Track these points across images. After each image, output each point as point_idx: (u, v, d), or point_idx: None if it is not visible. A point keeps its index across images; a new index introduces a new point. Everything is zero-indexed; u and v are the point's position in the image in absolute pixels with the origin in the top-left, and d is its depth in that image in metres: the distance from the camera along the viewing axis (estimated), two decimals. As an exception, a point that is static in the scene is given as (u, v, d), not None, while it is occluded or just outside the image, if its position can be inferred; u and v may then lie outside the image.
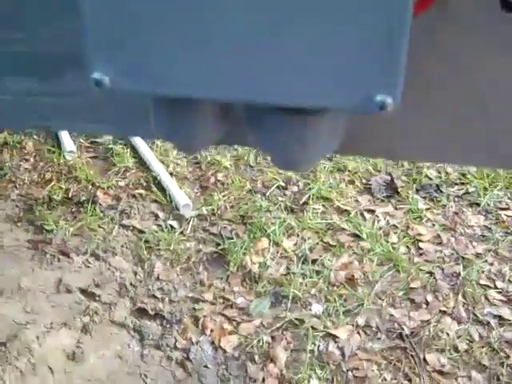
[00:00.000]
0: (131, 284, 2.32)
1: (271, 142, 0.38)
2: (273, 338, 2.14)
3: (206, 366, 2.06)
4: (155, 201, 2.69)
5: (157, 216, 2.63)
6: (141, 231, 2.54)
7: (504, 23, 0.39)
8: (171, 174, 2.81)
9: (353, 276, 2.35)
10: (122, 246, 2.48)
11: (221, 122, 0.38)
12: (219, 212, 2.63)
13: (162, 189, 2.72)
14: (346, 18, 0.30)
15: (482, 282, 2.35)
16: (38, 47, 0.43)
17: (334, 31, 0.31)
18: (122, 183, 2.79)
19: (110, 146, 2.97)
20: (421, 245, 2.50)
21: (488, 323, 2.20)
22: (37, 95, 0.45)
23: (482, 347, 2.12)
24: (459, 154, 0.45)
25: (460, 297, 2.29)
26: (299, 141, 0.37)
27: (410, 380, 2.02)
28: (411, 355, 2.10)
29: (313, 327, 2.17)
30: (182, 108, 0.36)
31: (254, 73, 0.32)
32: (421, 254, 2.46)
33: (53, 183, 2.74)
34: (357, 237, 2.52)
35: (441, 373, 2.05)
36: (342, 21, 0.30)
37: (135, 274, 2.37)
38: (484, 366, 2.08)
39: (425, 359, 2.08)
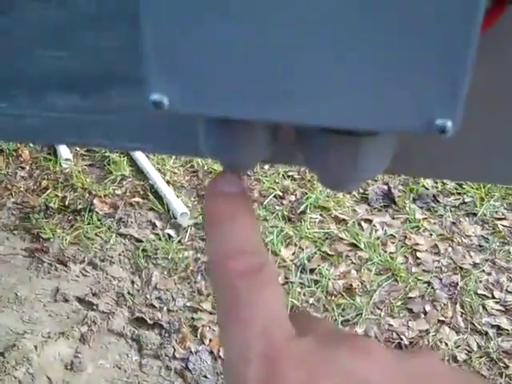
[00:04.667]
0: (129, 293, 2.31)
1: (321, 161, 0.37)
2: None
3: (205, 376, 2.05)
4: (152, 209, 2.68)
5: (154, 225, 2.62)
6: (138, 240, 2.54)
7: None
8: (168, 182, 2.80)
9: (351, 285, 2.35)
10: (120, 255, 2.47)
11: (271, 142, 0.38)
12: (217, 221, 2.62)
13: (159, 197, 2.72)
14: (408, 37, 0.30)
15: (479, 291, 2.36)
16: (81, 63, 0.42)
17: (395, 51, 0.31)
18: (118, 191, 2.78)
19: (107, 154, 2.96)
20: (418, 254, 2.50)
21: (486, 333, 2.21)
22: (78, 112, 0.44)
23: (481, 357, 2.13)
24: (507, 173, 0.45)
25: (458, 307, 2.30)
26: (351, 162, 0.36)
27: (409, 390, 2.02)
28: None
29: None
30: (232, 127, 0.36)
31: (307, 94, 0.32)
32: (418, 264, 2.47)
33: (49, 191, 2.73)
34: (354, 246, 2.53)
35: (440, 383, 2.05)
36: (404, 42, 0.30)
37: (133, 283, 2.36)
38: (483, 376, 2.08)
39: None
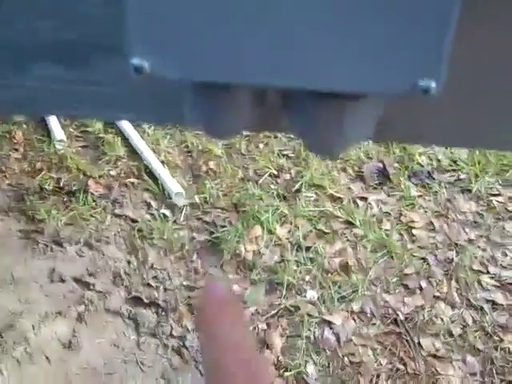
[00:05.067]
0: (125, 273, 2.31)
1: (308, 126, 0.37)
2: (268, 324, 2.15)
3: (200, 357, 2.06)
4: (147, 190, 2.68)
5: (149, 205, 2.62)
6: (134, 220, 2.53)
7: None
8: (163, 162, 2.79)
9: (347, 263, 2.36)
10: (115, 235, 2.47)
11: (256, 107, 0.38)
12: (212, 200, 2.62)
13: (154, 177, 2.71)
14: (393, 1, 0.30)
15: (474, 267, 2.37)
16: (66, 34, 0.42)
17: (380, 15, 0.30)
18: (113, 172, 2.77)
19: (101, 135, 2.95)
20: (414, 231, 2.51)
21: (481, 308, 2.22)
22: (63, 83, 0.44)
23: (476, 331, 2.15)
24: (498, 137, 0.45)
25: (453, 282, 2.31)
26: (337, 125, 0.36)
27: (405, 364, 2.04)
28: (406, 340, 2.11)
29: (308, 314, 2.18)
30: (216, 93, 0.36)
31: (294, 58, 0.32)
32: (414, 241, 2.48)
33: (43, 173, 2.72)
34: (350, 224, 2.53)
35: (435, 357, 2.07)
36: (389, 5, 0.30)
37: (129, 263, 2.36)
38: (478, 349, 2.10)
39: (419, 344, 2.10)
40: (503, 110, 0.44)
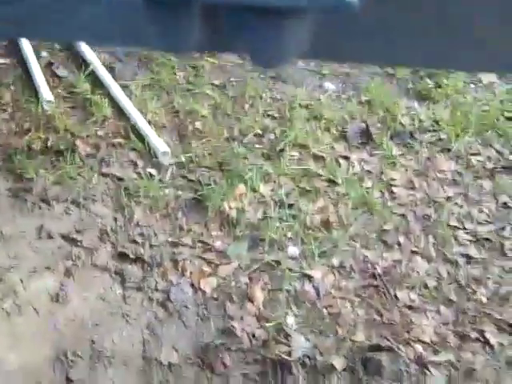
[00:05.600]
0: (112, 230, 2.37)
1: (250, 41, 0.42)
2: (250, 279, 2.22)
3: (186, 307, 2.13)
4: (134, 149, 2.72)
5: (136, 164, 2.66)
6: (120, 179, 2.58)
7: None
8: (149, 122, 2.83)
9: (328, 219, 2.42)
10: (102, 194, 2.52)
11: (205, 24, 0.43)
12: (197, 159, 2.67)
13: (141, 137, 2.75)
14: None
15: (451, 223, 2.44)
16: None
17: None
18: (100, 132, 2.81)
19: (88, 96, 2.97)
20: (394, 189, 2.57)
21: (456, 262, 2.30)
22: (29, 5, 0.48)
23: (450, 284, 2.22)
24: (442, 55, 0.49)
25: (430, 238, 2.38)
26: (276, 40, 0.41)
27: (381, 315, 2.12)
28: (383, 293, 2.19)
29: (289, 268, 2.25)
30: (166, 9, 0.40)
31: None
32: (394, 198, 2.54)
33: (31, 133, 2.75)
34: (332, 182, 2.59)
35: (411, 308, 2.15)
36: None
37: (115, 220, 2.41)
38: (452, 301, 2.18)
39: (396, 296, 2.18)
40: (428, 27, 0.47)
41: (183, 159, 2.68)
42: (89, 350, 1.97)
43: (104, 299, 2.14)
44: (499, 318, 2.13)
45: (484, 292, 2.21)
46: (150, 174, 2.61)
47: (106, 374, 1.94)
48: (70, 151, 2.67)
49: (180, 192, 2.54)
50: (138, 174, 2.61)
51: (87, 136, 2.78)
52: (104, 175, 2.60)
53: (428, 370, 1.98)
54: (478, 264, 2.29)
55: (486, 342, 2.06)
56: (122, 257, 2.27)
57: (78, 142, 2.74)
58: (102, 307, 2.11)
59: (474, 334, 2.08)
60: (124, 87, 2.99)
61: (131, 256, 2.27)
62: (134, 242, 2.33)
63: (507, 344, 2.06)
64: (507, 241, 2.38)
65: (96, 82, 3.03)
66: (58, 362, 1.93)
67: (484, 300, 2.19)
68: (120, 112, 2.91)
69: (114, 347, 2.00)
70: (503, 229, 2.42)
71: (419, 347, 2.04)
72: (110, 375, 1.94)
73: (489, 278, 2.26)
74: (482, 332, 2.09)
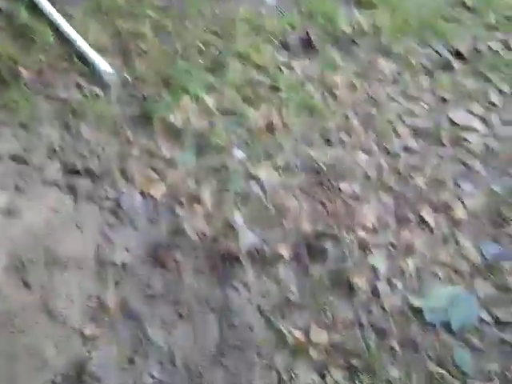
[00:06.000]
0: (60, 147, 2.40)
1: None
2: (198, 182, 2.29)
3: (136, 212, 2.20)
4: (79, 72, 2.73)
5: (81, 86, 2.67)
6: (66, 101, 2.60)
7: None
8: (92, 46, 2.83)
9: (272, 123, 2.48)
10: (49, 116, 2.53)
11: None
12: (142, 77, 2.69)
13: (85, 60, 2.75)
14: None
15: (391, 118, 2.51)
16: None
17: None
18: (44, 59, 2.80)
19: (29, 24, 2.95)
20: (336, 91, 2.63)
21: (396, 153, 2.38)
22: None
23: (391, 174, 2.32)
24: None
25: (371, 133, 2.46)
26: None
27: (325, 207, 2.21)
28: (327, 186, 2.28)
29: (235, 171, 2.32)
30: None
31: None
32: (336, 100, 2.60)
33: (-26, 62, 2.74)
34: (275, 89, 2.64)
35: (353, 198, 2.24)
36: None
37: (63, 139, 2.44)
38: (392, 189, 2.28)
39: (339, 188, 2.27)
40: None
41: (128, 78, 2.70)
42: (44, 256, 2.03)
43: (56, 211, 2.19)
44: (436, 201, 2.24)
45: (422, 179, 2.31)
46: (96, 95, 2.63)
47: (62, 277, 2.00)
48: (13, 77, 2.66)
49: (126, 109, 2.57)
50: (84, 95, 2.63)
51: (31, 63, 2.77)
52: (49, 98, 2.61)
53: (370, 250, 2.08)
54: (416, 154, 2.38)
55: (424, 222, 2.16)
56: (72, 171, 2.31)
57: (21, 69, 2.73)
58: (55, 218, 2.16)
59: (412, 217, 2.19)
60: (64, 14, 2.98)
61: (80, 170, 2.31)
62: (83, 157, 2.36)
63: (443, 222, 2.17)
64: (444, 131, 2.47)
65: (36, 11, 3.00)
66: (15, 268, 1.99)
67: (423, 186, 2.29)
68: (62, 38, 2.90)
69: (69, 253, 2.06)
70: (440, 121, 2.51)
71: (361, 232, 2.14)
72: (66, 278, 2.00)
73: (427, 166, 2.35)
74: (420, 215, 2.20)
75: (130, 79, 2.69)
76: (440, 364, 1.88)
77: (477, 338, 1.95)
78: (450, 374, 1.85)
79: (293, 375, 1.86)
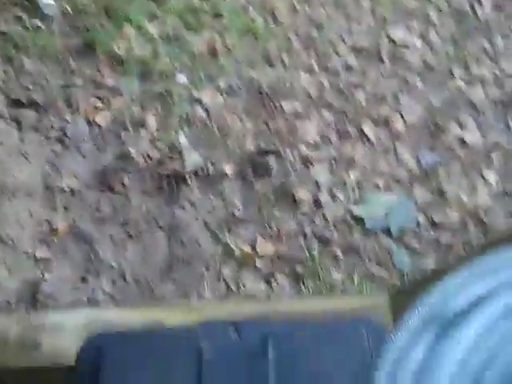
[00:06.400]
0: (3, 81, 2.39)
1: None
2: (143, 108, 2.31)
3: (83, 140, 2.22)
4: (18, 4, 2.69)
5: (21, 19, 2.64)
6: (6, 33, 2.57)
7: None
8: (31, -22, 2.79)
9: (214, 48, 2.50)
10: (-10, 50, 2.52)
11: None
12: (83, 8, 2.67)
13: (24, -6, 2.72)
14: None
15: (332, 38, 2.55)
16: None
17: None
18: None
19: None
20: (277, 15, 2.65)
21: (337, 71, 2.43)
22: None
23: (331, 91, 2.37)
24: None
25: (312, 53, 2.50)
26: None
27: (268, 125, 2.26)
28: (269, 106, 2.32)
29: (179, 95, 2.35)
30: None
31: None
32: (277, 24, 2.62)
33: None
34: (217, 16, 2.64)
35: (295, 116, 2.29)
36: None
37: (5, 72, 2.43)
38: (333, 105, 2.33)
39: (281, 107, 2.31)
40: None
41: (69, 9, 2.67)
42: (-9, 186, 2.06)
43: (2, 143, 2.20)
44: (376, 116, 2.31)
45: (363, 95, 2.37)
46: (38, 27, 2.61)
47: (11, 204, 2.04)
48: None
49: (68, 40, 2.55)
50: (25, 27, 2.61)
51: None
52: (-10, 33, 2.59)
53: (312, 165, 2.15)
54: (357, 72, 2.44)
55: (365, 136, 2.24)
56: (16, 103, 2.31)
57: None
58: (1, 150, 2.18)
59: (353, 131, 2.26)
60: None
61: (25, 102, 2.32)
62: (27, 88, 2.36)
63: (383, 135, 2.25)
64: (384, 49, 2.51)
65: None
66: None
67: (363, 102, 2.35)
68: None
69: (16, 182, 2.09)
70: (380, 39, 2.56)
71: (304, 148, 2.21)
72: (16, 205, 2.04)
73: (367, 83, 2.41)
74: (361, 129, 2.26)
75: (70, 9, 2.67)
76: (380, 265, 1.98)
77: (414, 241, 2.05)
78: (389, 274, 1.95)
79: (241, 285, 1.94)
